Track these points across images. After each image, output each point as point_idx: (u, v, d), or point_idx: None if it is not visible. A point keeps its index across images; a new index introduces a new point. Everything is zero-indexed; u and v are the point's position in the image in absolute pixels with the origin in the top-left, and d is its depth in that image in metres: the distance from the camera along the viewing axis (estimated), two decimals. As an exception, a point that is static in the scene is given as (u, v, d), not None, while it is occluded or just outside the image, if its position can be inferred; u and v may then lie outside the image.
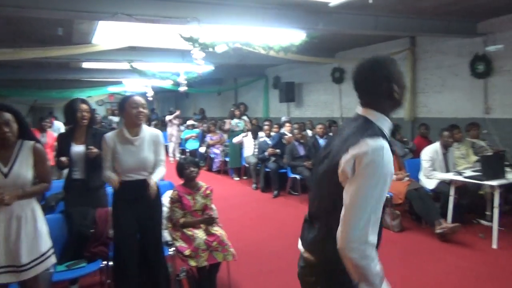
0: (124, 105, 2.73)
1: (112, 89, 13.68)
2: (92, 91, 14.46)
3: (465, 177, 4.22)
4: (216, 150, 9.00)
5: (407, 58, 7.68)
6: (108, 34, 6.19)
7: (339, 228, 1.23)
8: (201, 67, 6.39)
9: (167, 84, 10.90)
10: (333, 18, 5.24)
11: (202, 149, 9.66)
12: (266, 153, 6.89)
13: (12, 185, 2.21)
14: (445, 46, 7.03)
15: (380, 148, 1.22)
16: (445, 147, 4.67)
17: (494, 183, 3.92)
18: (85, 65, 9.40)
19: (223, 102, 15.85)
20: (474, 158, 5.09)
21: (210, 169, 9.00)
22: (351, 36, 7.13)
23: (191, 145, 10.63)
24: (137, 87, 12.59)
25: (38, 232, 2.32)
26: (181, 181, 3.38)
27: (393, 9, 5.32)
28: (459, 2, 5.18)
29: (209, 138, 9.38)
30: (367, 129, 1.30)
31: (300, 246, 1.52)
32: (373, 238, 1.20)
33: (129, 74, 10.67)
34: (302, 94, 11.18)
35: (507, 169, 4.25)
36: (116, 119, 13.80)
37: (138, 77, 10.21)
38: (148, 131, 2.81)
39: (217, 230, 3.16)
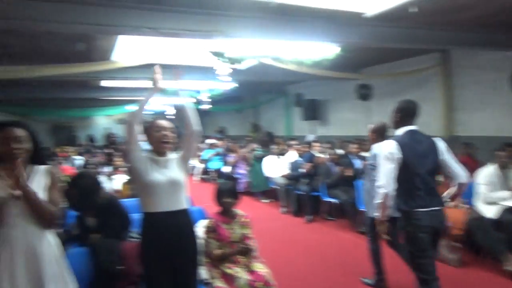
0: (147, 130, 2.41)
1: (130, 108, 13.58)
2: (111, 110, 14.43)
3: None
4: (241, 171, 8.62)
5: (439, 74, 7.26)
6: (127, 51, 6.03)
7: None
8: (226, 84, 6.11)
9: (188, 102, 10.69)
10: (366, 31, 4.90)
11: (226, 169, 9.30)
12: (302, 170, 6.45)
13: (23, 209, 1.96)
14: (482, 59, 6.59)
15: None
16: (503, 168, 4.19)
17: None
18: (104, 83, 9.28)
19: (243, 120, 15.60)
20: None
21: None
22: (377, 51, 6.78)
23: (214, 164, 10.31)
24: (156, 105, 12.44)
25: (65, 271, 2.08)
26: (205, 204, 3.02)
27: (429, 21, 4.97)
28: (502, 13, 4.80)
29: (230, 158, 9.05)
30: None
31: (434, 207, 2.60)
32: None
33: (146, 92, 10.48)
34: (326, 111, 10.80)
35: None
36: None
37: (157, 95, 10.00)
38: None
39: (260, 267, 2.77)
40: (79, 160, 8.54)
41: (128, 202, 4.82)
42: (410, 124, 2.73)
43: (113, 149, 9.05)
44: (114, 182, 6.14)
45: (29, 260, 1.94)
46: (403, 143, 2.62)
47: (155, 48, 5.94)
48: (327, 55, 4.66)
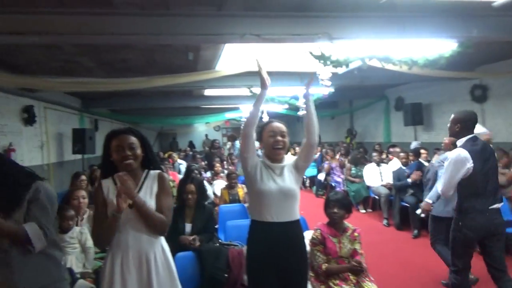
0: (261, 132, 2.34)
1: (229, 115, 14.12)
2: (211, 118, 15.20)
3: None
4: (338, 178, 8.30)
5: None
6: (229, 60, 6.21)
7: None
8: (324, 89, 5.91)
9: (282, 108, 10.72)
10: (491, 23, 4.28)
11: (321, 176, 9.05)
12: (409, 180, 5.95)
13: (134, 216, 1.98)
14: None
15: None
16: None
17: None
18: (207, 92, 9.76)
19: (337, 126, 15.14)
20: None
21: (330, 199, 8.32)
22: (498, 46, 5.93)
23: (309, 171, 10.12)
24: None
25: (174, 278, 2.06)
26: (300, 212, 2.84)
27: None
28: None
29: (327, 165, 8.77)
30: None
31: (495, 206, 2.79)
32: None
33: (246, 100, 10.82)
34: (431, 116, 9.87)
35: None
36: (228, 145, 14.12)
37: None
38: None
39: (370, 286, 2.53)
40: (182, 165, 9.06)
41: (226, 208, 4.94)
42: (472, 132, 2.92)
43: (215, 155, 9.41)
44: (214, 187, 6.35)
45: (140, 265, 1.96)
46: (472, 151, 2.78)
47: (253, 56, 6.00)
48: (444, 53, 4.16)
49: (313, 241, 2.68)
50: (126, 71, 6.14)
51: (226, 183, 6.04)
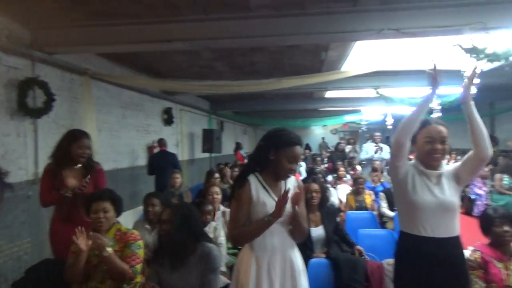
0: (415, 136, 2.07)
1: (348, 118, 13.64)
2: (329, 120, 14.94)
3: None
4: (479, 191, 7.26)
5: None
6: (354, 60, 5.94)
7: None
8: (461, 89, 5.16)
9: (411, 111, 9.88)
10: None
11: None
12: None
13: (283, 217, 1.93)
14: None
15: None
16: None
17: None
18: (328, 94, 9.60)
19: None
20: None
21: (468, 213, 7.31)
22: None
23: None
24: (374, 115, 12.07)
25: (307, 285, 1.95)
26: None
27: None
28: None
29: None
30: None
31: None
32: None
33: (368, 102, 10.31)
34: None
35: None
36: (349, 148, 13.62)
37: (378, 105, 9.67)
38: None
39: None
40: (301, 167, 9.02)
41: (354, 215, 4.68)
42: None
43: (339, 157, 9.15)
44: (338, 191, 6.12)
45: (285, 269, 1.90)
46: None
47: (381, 54, 5.64)
48: None
49: (471, 264, 2.29)
50: (254, 74, 6.36)
51: (350, 188, 5.77)
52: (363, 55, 5.68)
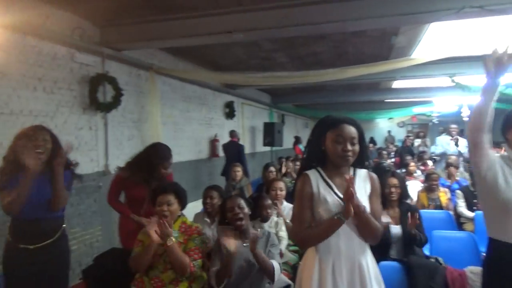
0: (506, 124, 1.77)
1: (417, 109, 12.79)
2: (395, 113, 14.13)
3: None
4: None
5: None
6: (428, 45, 5.44)
7: None
8: None
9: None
10: None
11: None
12: None
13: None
14: None
15: None
16: None
17: None
18: (395, 84, 9.03)
19: None
20: None
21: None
22: None
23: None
24: (447, 106, 11.14)
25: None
26: None
27: None
28: None
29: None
30: None
31: None
32: None
33: (440, 92, 9.54)
34: None
35: None
36: (418, 142, 12.74)
37: (452, 94, 8.90)
38: None
39: None
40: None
41: (428, 214, 4.29)
42: None
43: (407, 152, 8.58)
44: (408, 188, 5.70)
45: (352, 274, 1.71)
46: None
47: (459, 38, 5.10)
48: None
49: None
50: (316, 65, 6.13)
51: (421, 184, 5.33)
52: (437, 39, 5.20)
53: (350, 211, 1.61)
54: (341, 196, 1.71)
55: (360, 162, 1.82)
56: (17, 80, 3.39)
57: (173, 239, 2.29)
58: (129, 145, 4.88)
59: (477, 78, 6.97)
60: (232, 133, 7.46)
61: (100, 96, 4.28)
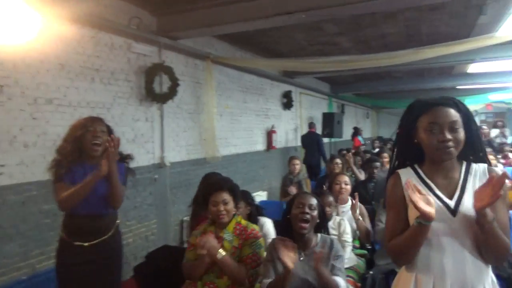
0: None
1: (494, 96, 11.50)
2: (469, 99, 12.84)
3: None
4: None
5: None
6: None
7: None
8: None
9: None
10: None
11: None
12: None
13: (460, 227, 1.33)
14: None
15: None
16: None
17: None
18: (471, 69, 8.12)
19: None
20: None
21: None
22: None
23: None
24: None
25: None
26: None
27: None
28: None
29: None
30: None
31: None
32: None
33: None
34: None
35: None
36: (495, 132, 11.41)
37: None
38: None
39: None
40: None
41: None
42: None
43: (487, 145, 7.66)
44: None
45: None
46: None
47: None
48: None
49: None
50: (383, 48, 5.59)
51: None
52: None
53: (423, 212, 1.23)
54: (446, 199, 1.35)
55: (472, 153, 1.42)
56: (75, 71, 3.36)
57: (222, 253, 2.06)
58: (185, 137, 4.78)
59: None
60: (311, 124, 7.99)
61: (156, 87, 4.19)
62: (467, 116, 1.39)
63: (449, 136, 1.33)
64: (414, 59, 4.37)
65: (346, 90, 11.04)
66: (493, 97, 11.69)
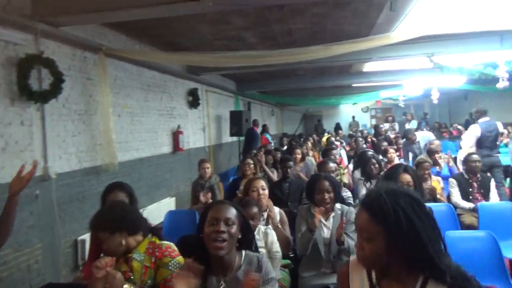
0: None
1: (384, 93, 12.56)
2: (360, 97, 13.84)
3: None
4: None
5: None
6: (407, 24, 5.03)
7: None
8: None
9: (460, 83, 8.79)
10: None
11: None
12: None
13: None
14: None
15: None
16: None
17: None
18: (367, 67, 8.66)
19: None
20: None
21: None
22: None
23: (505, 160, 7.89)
24: (415, 90, 10.96)
25: None
26: None
27: None
28: None
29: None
30: None
31: None
32: None
33: (410, 74, 9.34)
34: None
35: None
36: (387, 126, 12.41)
37: (425, 76, 8.70)
38: None
39: None
40: (343, 150, 8.15)
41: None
42: None
43: (379, 140, 8.18)
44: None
45: None
46: None
47: (437, 15, 4.73)
48: None
49: None
50: (290, 45, 5.52)
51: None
52: (418, 17, 4.79)
53: None
54: None
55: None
56: None
57: (126, 286, 1.64)
58: (75, 142, 4.06)
59: (456, 57, 6.69)
60: (254, 122, 9.35)
61: (34, 83, 3.44)
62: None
63: None
64: (322, 55, 4.33)
65: (252, 87, 10.99)
66: (383, 94, 12.77)
